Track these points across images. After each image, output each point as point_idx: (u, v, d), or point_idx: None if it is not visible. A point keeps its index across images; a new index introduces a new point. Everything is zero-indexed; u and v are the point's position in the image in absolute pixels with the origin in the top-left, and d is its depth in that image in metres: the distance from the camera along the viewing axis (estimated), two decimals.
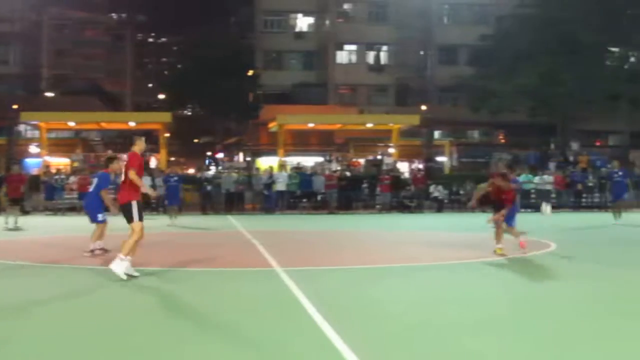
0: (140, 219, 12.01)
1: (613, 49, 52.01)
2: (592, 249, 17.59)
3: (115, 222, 14.55)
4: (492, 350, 7.02)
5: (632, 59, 52.91)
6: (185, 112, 78.81)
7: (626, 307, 9.50)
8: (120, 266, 11.59)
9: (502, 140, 63.44)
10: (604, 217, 30.27)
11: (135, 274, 11.71)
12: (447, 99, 62.03)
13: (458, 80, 50.69)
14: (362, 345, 7.09)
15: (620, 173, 26.85)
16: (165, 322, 8.52)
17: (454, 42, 61.06)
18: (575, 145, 49.34)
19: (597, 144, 62.90)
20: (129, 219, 11.98)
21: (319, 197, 37.38)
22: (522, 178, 37.35)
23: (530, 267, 13.76)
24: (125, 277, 11.49)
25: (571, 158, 44.81)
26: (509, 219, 15.41)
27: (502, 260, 14.34)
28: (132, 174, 11.84)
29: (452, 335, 7.67)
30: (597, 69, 47.38)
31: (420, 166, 43.14)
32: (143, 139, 12.83)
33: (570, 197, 38.42)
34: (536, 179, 37.59)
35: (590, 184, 38.55)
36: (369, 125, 46.18)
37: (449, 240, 19.73)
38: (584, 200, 38.51)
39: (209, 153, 69.01)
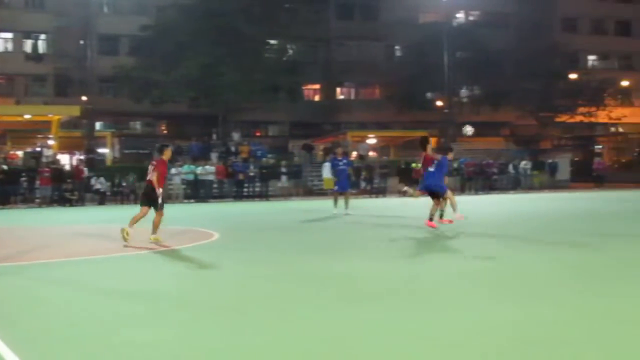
0: None
1: (272, 41, 53.92)
2: (255, 236, 18.12)
3: None
4: (156, 341, 6.96)
5: (290, 52, 55.19)
6: None
7: (293, 291, 9.88)
8: None
9: (165, 131, 63.67)
10: (265, 205, 31.42)
11: None
12: (108, 89, 60.92)
13: (119, 70, 50.06)
14: (26, 346, 6.72)
15: (345, 161, 26.36)
16: None
17: (114, 32, 60.12)
18: (236, 136, 50.57)
19: (258, 134, 64.96)
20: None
21: None
22: (184, 168, 37.89)
23: (194, 257, 13.93)
24: None
25: (233, 148, 45.94)
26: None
27: (168, 251, 14.40)
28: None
29: (117, 327, 7.53)
30: (257, 60, 48.87)
31: (82, 158, 42.22)
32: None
33: (232, 187, 39.45)
34: (199, 170, 38.20)
35: (252, 174, 39.83)
36: (27, 116, 44.32)
37: (111, 232, 19.48)
38: (245, 189, 39.70)
39: None
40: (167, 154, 15.95)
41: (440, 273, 11.27)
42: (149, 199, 15.56)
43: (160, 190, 15.46)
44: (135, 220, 15.48)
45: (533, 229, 18.11)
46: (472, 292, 9.58)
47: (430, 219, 17.76)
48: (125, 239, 15.10)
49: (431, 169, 17.82)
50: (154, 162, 15.72)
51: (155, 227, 15.55)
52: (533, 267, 11.78)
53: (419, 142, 18.79)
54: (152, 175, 15.48)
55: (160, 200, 15.42)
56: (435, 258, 13.11)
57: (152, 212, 15.56)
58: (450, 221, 18.02)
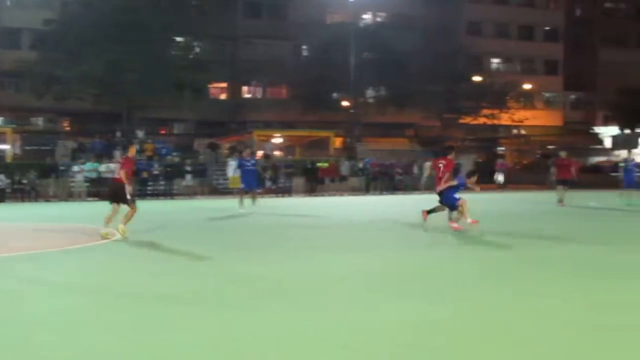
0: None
1: (178, 39, 53.44)
2: (159, 235, 17.86)
3: None
4: (61, 341, 6.88)
5: (197, 49, 54.80)
6: None
7: (197, 289, 9.79)
8: None
9: (67, 128, 62.48)
10: (170, 204, 31.11)
11: None
12: (10, 84, 59.63)
13: (21, 65, 48.94)
14: None
15: (252, 161, 26.70)
16: None
17: (17, 25, 58.87)
18: (141, 134, 49.97)
19: (162, 132, 64.25)
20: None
21: None
22: (87, 166, 37.24)
23: (96, 256, 13.69)
24: None
25: (137, 146, 45.31)
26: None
27: (70, 250, 14.12)
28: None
29: (21, 328, 7.40)
30: (164, 57, 48.35)
31: None
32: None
33: (135, 185, 38.90)
34: (102, 167, 37.58)
35: (156, 172, 39.37)
36: None
37: (10, 230, 19.04)
38: (149, 188, 39.20)
39: None
40: (131, 151, 16.65)
41: (347, 271, 11.31)
42: (117, 197, 16.03)
43: (129, 187, 15.89)
44: (109, 220, 16.08)
45: (439, 230, 18.32)
46: (377, 290, 9.65)
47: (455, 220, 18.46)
48: (106, 237, 15.87)
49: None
50: (121, 160, 16.34)
51: (128, 218, 16.04)
52: (440, 266, 11.92)
53: (446, 148, 19.33)
54: (120, 173, 15.96)
55: (129, 196, 15.90)
56: (341, 257, 13.11)
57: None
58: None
